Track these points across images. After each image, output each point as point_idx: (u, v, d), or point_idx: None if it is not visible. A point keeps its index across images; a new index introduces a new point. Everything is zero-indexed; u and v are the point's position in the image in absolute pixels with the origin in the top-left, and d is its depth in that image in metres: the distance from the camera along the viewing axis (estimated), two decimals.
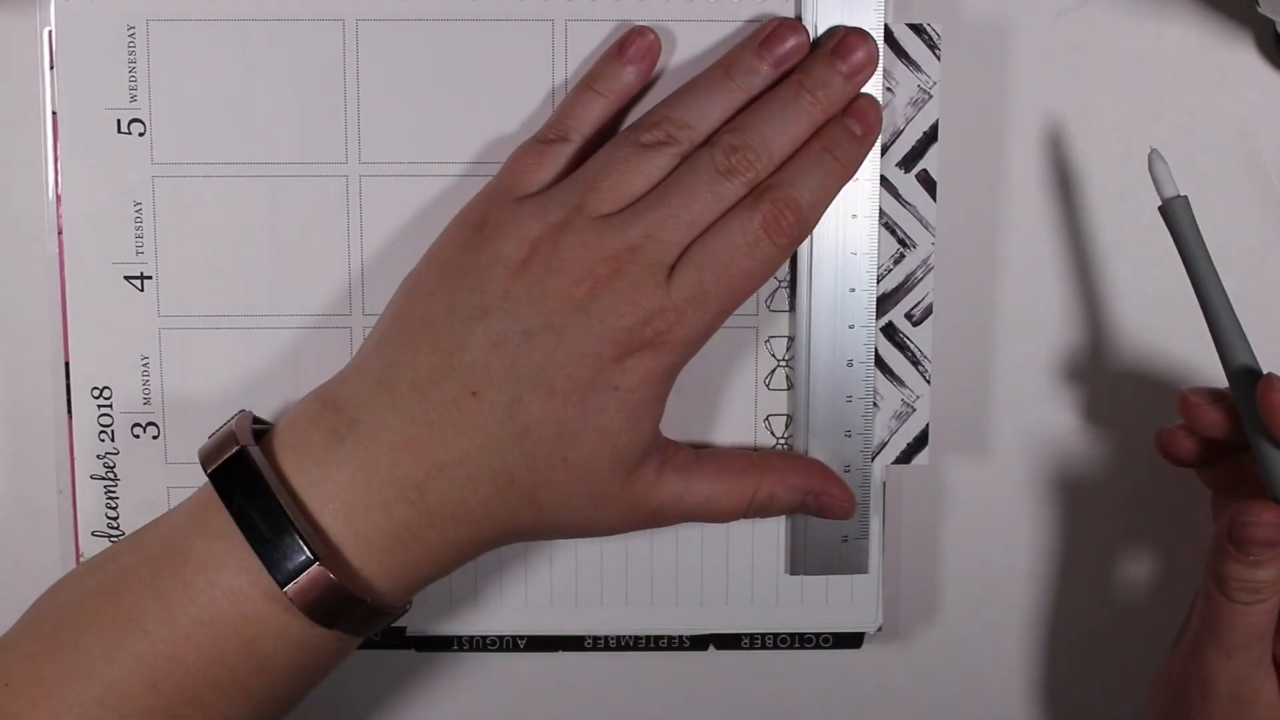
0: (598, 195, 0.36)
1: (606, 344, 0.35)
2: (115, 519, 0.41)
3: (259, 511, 0.33)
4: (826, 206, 0.38)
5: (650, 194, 0.36)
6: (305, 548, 0.33)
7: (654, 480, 0.37)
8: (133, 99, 0.40)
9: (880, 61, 0.39)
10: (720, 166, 0.36)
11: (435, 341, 0.35)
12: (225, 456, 0.34)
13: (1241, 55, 0.43)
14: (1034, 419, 0.44)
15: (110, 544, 0.41)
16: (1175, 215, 0.36)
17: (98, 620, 0.34)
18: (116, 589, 0.34)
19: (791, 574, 0.42)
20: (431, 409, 0.35)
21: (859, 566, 0.41)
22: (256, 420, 0.37)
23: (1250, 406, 0.35)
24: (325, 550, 0.34)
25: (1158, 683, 0.40)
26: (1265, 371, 0.35)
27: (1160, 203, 0.36)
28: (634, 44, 0.38)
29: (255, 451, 0.34)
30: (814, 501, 0.39)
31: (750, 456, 0.39)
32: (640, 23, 0.39)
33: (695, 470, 0.38)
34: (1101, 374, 0.43)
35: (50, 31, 0.40)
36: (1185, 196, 0.36)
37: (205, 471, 0.34)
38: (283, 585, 0.33)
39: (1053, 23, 0.42)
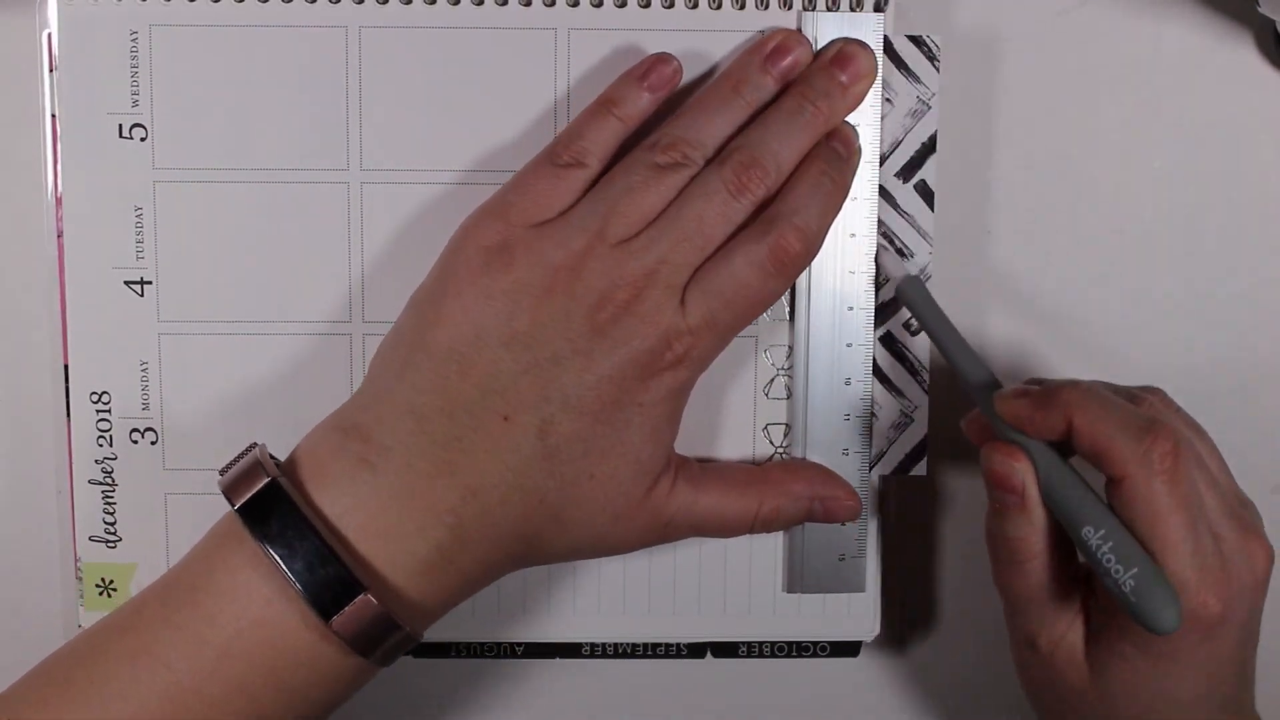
0: (618, 221, 0.36)
1: (631, 365, 0.35)
2: (113, 524, 0.41)
3: (295, 542, 0.33)
4: (827, 231, 0.38)
5: (663, 217, 0.36)
6: (352, 577, 0.33)
7: (668, 491, 0.37)
8: (134, 104, 0.40)
9: (880, 72, 0.39)
10: (731, 187, 0.36)
11: (464, 369, 0.35)
12: (255, 490, 0.34)
13: (1241, 55, 0.43)
14: None
15: (108, 549, 0.41)
16: (910, 293, 0.39)
17: (112, 657, 0.33)
18: (131, 625, 0.34)
19: (788, 592, 0.42)
20: (464, 434, 0.35)
21: (856, 585, 0.42)
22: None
23: (991, 409, 0.37)
24: (369, 579, 0.34)
25: None
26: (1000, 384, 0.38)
27: (897, 285, 0.40)
28: (657, 71, 0.38)
29: (286, 482, 0.34)
30: (820, 508, 0.40)
31: (753, 471, 0.40)
32: (643, 32, 0.40)
33: (702, 481, 0.38)
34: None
35: (50, 34, 0.39)
36: (916, 275, 0.40)
37: (232, 505, 0.34)
38: (328, 616, 0.33)
39: (1052, 24, 0.42)
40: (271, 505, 0.34)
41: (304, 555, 0.33)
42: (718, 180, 0.36)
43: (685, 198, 0.36)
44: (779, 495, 0.39)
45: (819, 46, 0.39)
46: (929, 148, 0.41)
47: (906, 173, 0.41)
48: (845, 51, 0.38)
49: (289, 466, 0.35)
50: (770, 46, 0.38)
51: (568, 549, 0.37)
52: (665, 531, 0.38)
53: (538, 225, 0.36)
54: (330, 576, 0.33)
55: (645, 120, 0.38)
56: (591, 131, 0.38)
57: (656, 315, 0.35)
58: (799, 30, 0.39)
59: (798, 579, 0.42)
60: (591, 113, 0.38)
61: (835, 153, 0.38)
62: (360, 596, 0.33)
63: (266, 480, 0.34)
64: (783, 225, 0.36)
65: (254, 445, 0.36)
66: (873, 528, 0.42)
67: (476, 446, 0.35)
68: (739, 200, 0.36)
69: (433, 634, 0.42)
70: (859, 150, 0.39)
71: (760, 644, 0.43)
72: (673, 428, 0.37)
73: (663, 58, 0.38)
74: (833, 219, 0.38)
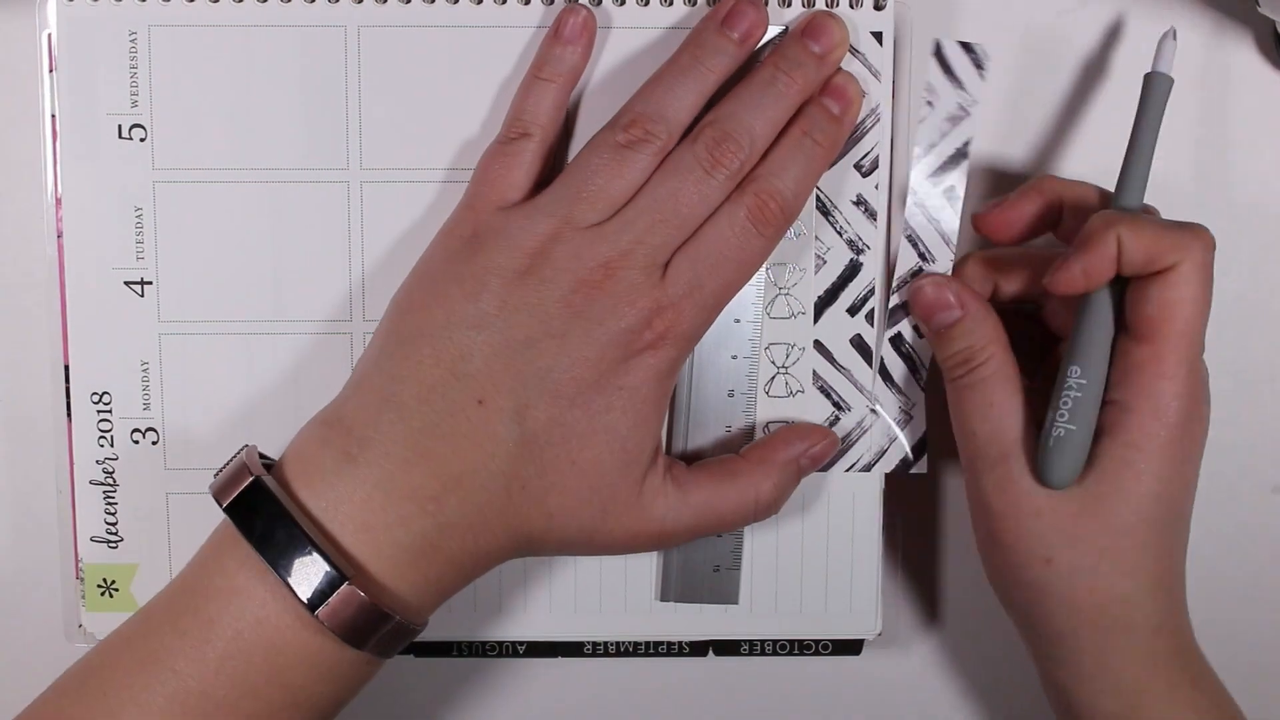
0: (584, 204, 0.36)
1: (610, 346, 0.35)
2: (114, 524, 0.41)
3: (281, 538, 0.33)
4: (810, 191, 0.38)
5: (638, 197, 0.36)
6: (333, 569, 0.33)
7: (658, 488, 0.37)
8: (134, 104, 0.40)
9: (849, 40, 0.39)
10: (704, 163, 0.36)
11: (435, 353, 0.35)
12: (240, 489, 0.34)
13: (1241, 55, 0.43)
14: None
15: (109, 549, 0.41)
16: (1157, 89, 0.38)
17: (122, 665, 0.34)
18: (140, 633, 0.34)
19: (661, 600, 0.42)
20: (440, 420, 0.35)
21: (729, 597, 0.42)
22: (261, 455, 0.37)
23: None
24: (351, 570, 0.34)
25: None
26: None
27: (1151, 74, 0.38)
28: (568, 23, 0.38)
29: (270, 480, 0.34)
30: (808, 464, 0.40)
31: (736, 460, 0.39)
32: (642, 30, 0.40)
33: (687, 481, 0.38)
34: None
35: (50, 35, 0.39)
36: (1171, 78, 0.38)
37: (220, 505, 0.34)
38: (313, 608, 0.33)
39: (1052, 24, 0.42)
40: (257, 504, 0.34)
41: (289, 550, 0.33)
42: (690, 157, 0.36)
43: (659, 177, 0.36)
44: (770, 473, 0.39)
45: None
46: (962, 154, 0.40)
47: (937, 177, 0.40)
48: (816, 21, 0.38)
49: (278, 465, 0.35)
50: (724, 11, 0.38)
51: (559, 542, 0.37)
52: (660, 536, 0.37)
53: (504, 209, 0.36)
54: (314, 570, 0.33)
55: (578, 74, 0.39)
56: (527, 103, 0.38)
57: (633, 293, 0.35)
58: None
59: (670, 587, 0.42)
60: (523, 86, 0.38)
61: (824, 110, 0.38)
62: (344, 587, 0.33)
63: (250, 479, 0.34)
64: (759, 184, 0.36)
65: (244, 447, 0.36)
66: (875, 526, 0.42)
67: (454, 432, 0.35)
68: (713, 176, 0.36)
69: (434, 633, 0.42)
70: (857, 100, 0.38)
71: (762, 642, 0.43)
72: (659, 414, 0.37)
73: (570, 9, 0.38)
74: (816, 178, 0.38)
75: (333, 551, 0.34)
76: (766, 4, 0.38)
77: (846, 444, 0.41)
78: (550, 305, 0.35)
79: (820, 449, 0.40)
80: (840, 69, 0.38)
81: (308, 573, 0.33)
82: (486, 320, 0.35)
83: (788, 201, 0.37)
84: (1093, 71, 0.42)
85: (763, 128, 0.37)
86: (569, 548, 0.37)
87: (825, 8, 0.39)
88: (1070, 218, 0.39)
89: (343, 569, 0.33)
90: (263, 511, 0.34)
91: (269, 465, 0.36)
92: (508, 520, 0.35)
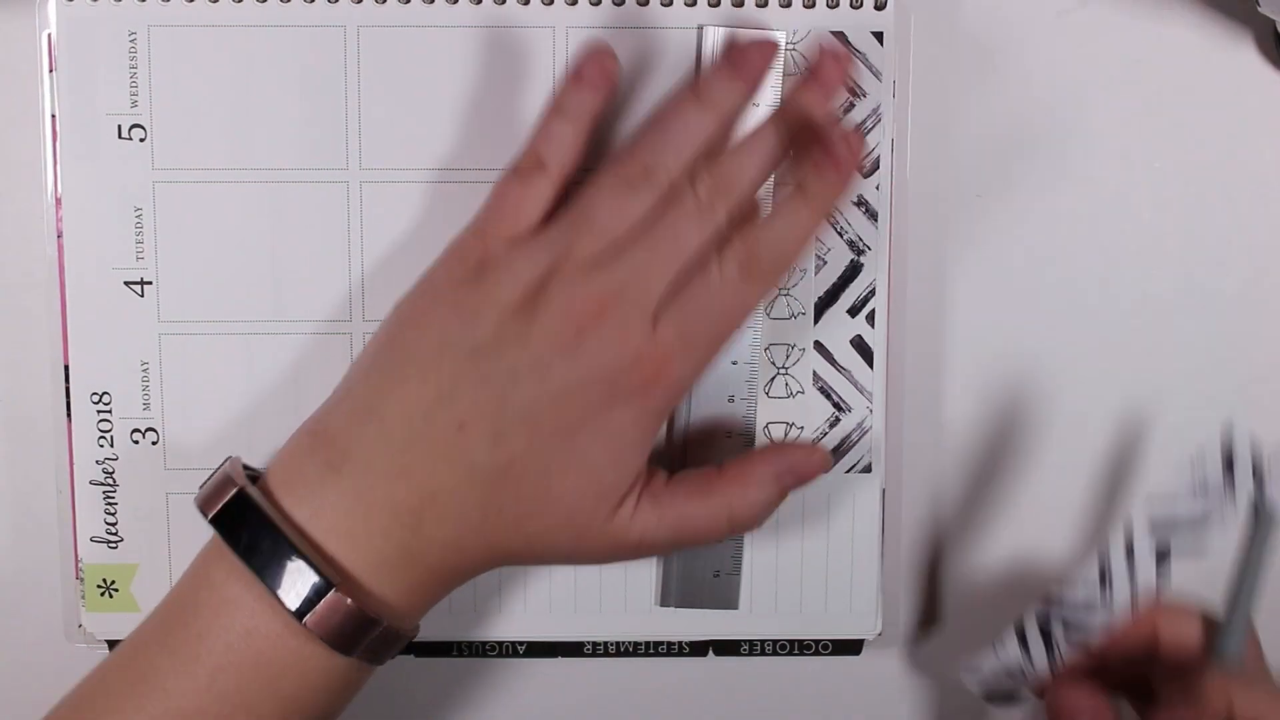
0: (585, 239, 0.36)
1: (595, 384, 0.35)
2: (114, 525, 0.41)
3: (266, 547, 0.33)
4: (803, 244, 0.37)
5: (636, 238, 0.36)
6: (319, 576, 0.33)
7: (631, 514, 0.36)
8: (134, 104, 0.40)
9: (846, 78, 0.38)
10: (702, 206, 0.36)
11: (423, 374, 0.35)
12: (224, 500, 0.34)
13: (1241, 55, 0.43)
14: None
15: (109, 549, 0.41)
16: (1265, 527, 0.37)
17: (115, 689, 0.34)
18: (131, 655, 0.35)
19: (661, 605, 0.42)
20: (420, 440, 0.35)
21: (729, 602, 0.42)
22: (246, 466, 0.37)
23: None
24: (338, 577, 0.34)
25: None
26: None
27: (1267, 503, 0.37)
28: (589, 68, 0.37)
29: (254, 490, 0.35)
30: (791, 480, 0.38)
31: (711, 474, 0.38)
32: (642, 30, 0.40)
33: (663, 498, 0.37)
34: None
35: (50, 35, 0.39)
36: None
37: (206, 518, 0.34)
38: (301, 616, 0.33)
39: (1052, 24, 0.42)
40: (242, 514, 0.34)
41: (274, 559, 0.33)
42: (690, 199, 0.36)
43: (656, 216, 0.36)
44: (745, 488, 0.38)
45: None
46: (1190, 548, 0.37)
47: (1156, 542, 0.38)
48: (820, 63, 0.37)
49: (265, 475, 0.36)
50: (732, 51, 0.37)
51: (538, 560, 0.37)
52: (640, 548, 0.37)
53: (511, 240, 0.36)
54: (299, 577, 0.33)
55: (599, 115, 0.38)
56: (544, 138, 0.37)
57: (624, 334, 0.35)
58: (769, 32, 0.39)
59: (670, 592, 0.42)
60: (542, 120, 0.38)
61: (822, 171, 0.37)
62: (331, 594, 0.33)
63: (235, 490, 0.34)
64: (750, 238, 0.36)
65: (228, 459, 0.36)
66: (875, 526, 0.42)
67: (432, 454, 0.35)
68: (709, 220, 0.36)
69: (434, 633, 0.42)
70: (850, 163, 0.37)
71: (762, 642, 0.43)
72: (640, 454, 0.36)
73: (593, 55, 0.37)
74: (809, 234, 0.37)
75: (318, 559, 0.34)
76: (777, 50, 0.38)
77: (846, 444, 0.41)
78: (540, 339, 0.35)
79: (806, 466, 0.38)
80: (853, 129, 0.38)
81: (294, 581, 0.33)
82: (479, 350, 0.35)
83: (779, 254, 0.36)
84: (1093, 71, 0.42)
85: (752, 174, 0.37)
86: (549, 562, 0.38)
87: (822, 10, 0.39)
88: (1168, 656, 0.38)
89: (329, 576, 0.33)
90: (248, 521, 0.34)
91: (254, 476, 0.36)
92: (485, 538, 0.36)
